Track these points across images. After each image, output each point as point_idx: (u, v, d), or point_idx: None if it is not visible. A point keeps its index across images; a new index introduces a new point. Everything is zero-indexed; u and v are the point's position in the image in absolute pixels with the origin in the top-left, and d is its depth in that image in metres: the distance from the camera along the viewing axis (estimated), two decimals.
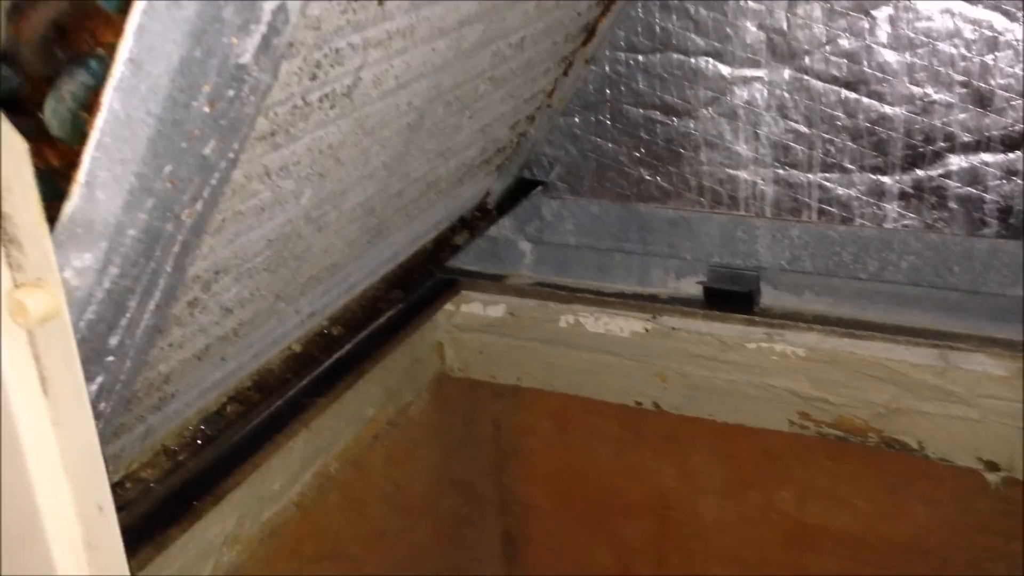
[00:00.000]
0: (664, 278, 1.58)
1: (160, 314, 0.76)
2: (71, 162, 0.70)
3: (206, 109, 0.61)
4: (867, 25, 1.29)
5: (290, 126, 0.80)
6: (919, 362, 1.41)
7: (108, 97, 0.55)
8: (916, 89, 1.29)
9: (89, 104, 0.66)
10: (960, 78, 1.26)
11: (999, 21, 1.22)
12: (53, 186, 0.66)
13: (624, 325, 1.59)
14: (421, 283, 1.51)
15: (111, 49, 0.65)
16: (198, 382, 0.98)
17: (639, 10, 1.39)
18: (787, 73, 1.35)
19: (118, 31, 0.55)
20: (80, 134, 0.67)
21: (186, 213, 0.67)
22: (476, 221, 1.53)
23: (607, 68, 1.45)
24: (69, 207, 0.58)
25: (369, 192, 1.07)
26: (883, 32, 1.28)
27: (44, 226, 0.55)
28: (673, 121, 1.45)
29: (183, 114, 0.59)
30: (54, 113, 0.66)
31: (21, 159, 0.53)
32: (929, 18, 1.26)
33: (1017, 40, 1.22)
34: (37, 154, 0.64)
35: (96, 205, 0.59)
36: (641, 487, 1.75)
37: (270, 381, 1.14)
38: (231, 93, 0.63)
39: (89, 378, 0.70)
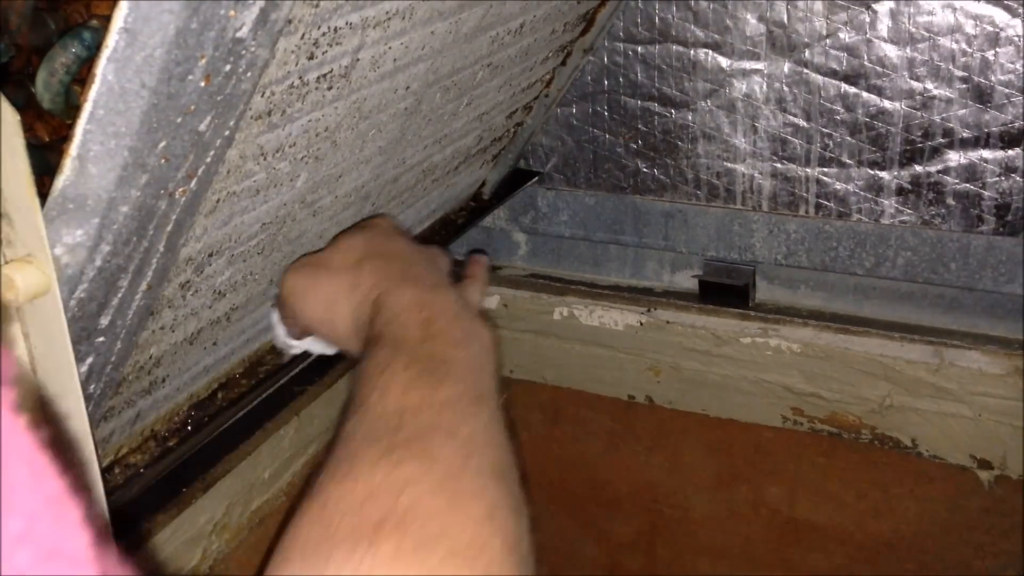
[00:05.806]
0: (659, 271, 1.58)
1: (152, 295, 0.74)
2: (62, 136, 0.68)
3: (202, 83, 0.59)
4: (868, 19, 1.28)
5: (287, 106, 0.78)
6: (914, 359, 1.40)
7: (102, 67, 0.53)
8: (916, 84, 1.29)
9: (82, 77, 0.65)
10: (960, 73, 1.26)
11: (1000, 17, 1.22)
12: (43, 160, 0.65)
13: (618, 318, 1.58)
14: None
15: (105, 21, 0.63)
16: (189, 367, 0.97)
17: (638, 0, 1.38)
18: (787, 66, 1.35)
19: (113, 1, 0.53)
20: (72, 108, 0.65)
21: (180, 191, 0.66)
22: (471, 211, 1.52)
23: (605, 58, 1.44)
24: (60, 181, 0.57)
25: (365, 177, 1.06)
26: (884, 26, 1.28)
27: (35, 200, 0.54)
28: (671, 113, 1.44)
29: (178, 87, 0.58)
30: (46, 86, 0.64)
31: (12, 131, 0.52)
32: (930, 13, 1.25)
33: (1018, 36, 1.22)
34: (27, 127, 0.62)
35: (88, 180, 0.57)
36: (631, 481, 1.74)
37: (261, 368, 1.13)
38: (228, 68, 0.61)
39: (79, 359, 0.69)
